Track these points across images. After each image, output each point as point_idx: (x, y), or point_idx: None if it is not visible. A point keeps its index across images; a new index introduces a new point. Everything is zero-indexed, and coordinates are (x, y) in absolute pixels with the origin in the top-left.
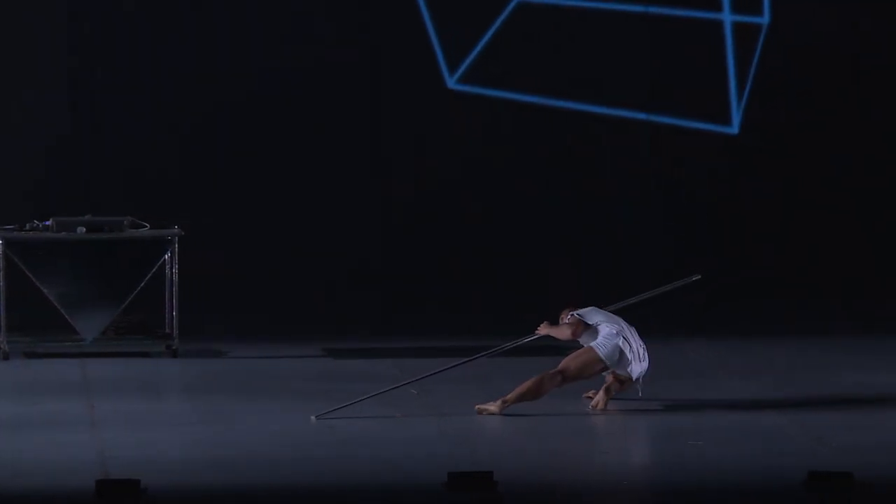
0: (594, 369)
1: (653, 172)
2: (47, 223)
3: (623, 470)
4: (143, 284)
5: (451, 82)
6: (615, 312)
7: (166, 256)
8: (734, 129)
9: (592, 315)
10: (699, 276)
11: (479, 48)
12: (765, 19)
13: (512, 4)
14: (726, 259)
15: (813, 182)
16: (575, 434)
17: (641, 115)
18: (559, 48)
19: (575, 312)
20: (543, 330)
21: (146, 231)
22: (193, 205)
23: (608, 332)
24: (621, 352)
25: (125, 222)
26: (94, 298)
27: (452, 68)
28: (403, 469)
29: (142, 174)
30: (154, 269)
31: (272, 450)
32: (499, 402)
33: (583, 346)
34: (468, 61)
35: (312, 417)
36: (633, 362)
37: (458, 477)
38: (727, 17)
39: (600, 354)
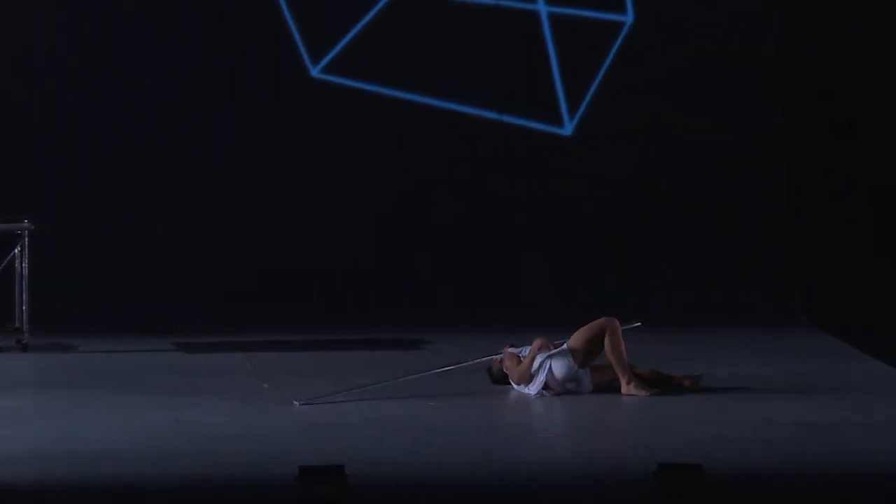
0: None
1: (616, 173)
2: None
3: (473, 464)
4: None
5: (315, 71)
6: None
7: (16, 251)
8: (567, 130)
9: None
10: (639, 323)
11: (346, 40)
12: (628, 18)
13: None
14: (688, 259)
15: (774, 184)
16: (428, 429)
17: (493, 115)
18: (428, 42)
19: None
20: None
21: None
22: (193, 204)
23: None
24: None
25: None
26: None
27: (316, 58)
28: (255, 463)
29: (142, 174)
30: (4, 263)
31: (124, 445)
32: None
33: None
34: (334, 52)
35: (296, 403)
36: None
37: (309, 471)
38: (542, 9)
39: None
